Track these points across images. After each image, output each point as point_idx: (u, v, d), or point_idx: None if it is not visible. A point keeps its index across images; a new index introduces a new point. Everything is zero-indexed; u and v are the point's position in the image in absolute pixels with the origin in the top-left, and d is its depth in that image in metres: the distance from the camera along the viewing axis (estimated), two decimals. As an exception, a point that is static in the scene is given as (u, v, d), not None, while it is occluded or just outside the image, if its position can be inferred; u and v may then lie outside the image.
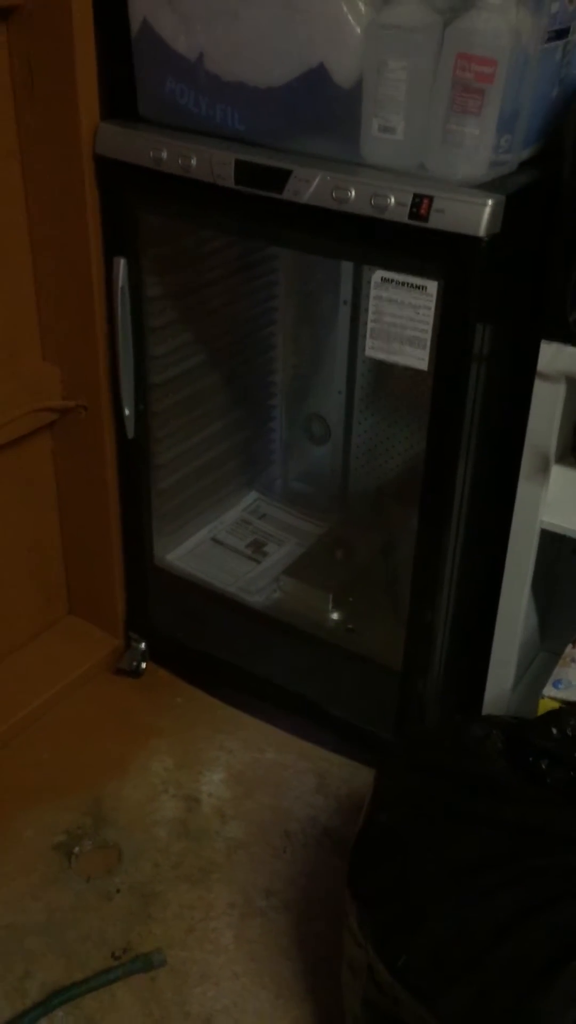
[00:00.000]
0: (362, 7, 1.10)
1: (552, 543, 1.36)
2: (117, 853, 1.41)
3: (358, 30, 1.10)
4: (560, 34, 1.12)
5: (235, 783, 1.52)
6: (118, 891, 1.36)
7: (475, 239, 1.08)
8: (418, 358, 1.18)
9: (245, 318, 1.71)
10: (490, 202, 1.07)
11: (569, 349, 1.16)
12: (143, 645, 1.70)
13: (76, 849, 1.41)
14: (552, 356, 1.18)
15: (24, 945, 1.28)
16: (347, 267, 1.66)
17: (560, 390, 1.20)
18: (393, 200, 1.11)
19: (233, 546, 1.74)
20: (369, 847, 0.99)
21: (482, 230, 1.07)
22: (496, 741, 0.99)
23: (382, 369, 1.70)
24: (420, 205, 1.09)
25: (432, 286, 1.14)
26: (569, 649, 1.38)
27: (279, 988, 1.24)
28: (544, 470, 1.26)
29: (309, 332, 1.78)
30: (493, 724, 1.01)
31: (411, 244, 1.12)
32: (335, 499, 1.86)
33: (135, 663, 1.70)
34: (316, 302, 1.75)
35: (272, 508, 1.84)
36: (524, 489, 1.28)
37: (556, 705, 1.21)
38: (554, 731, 0.94)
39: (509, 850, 0.89)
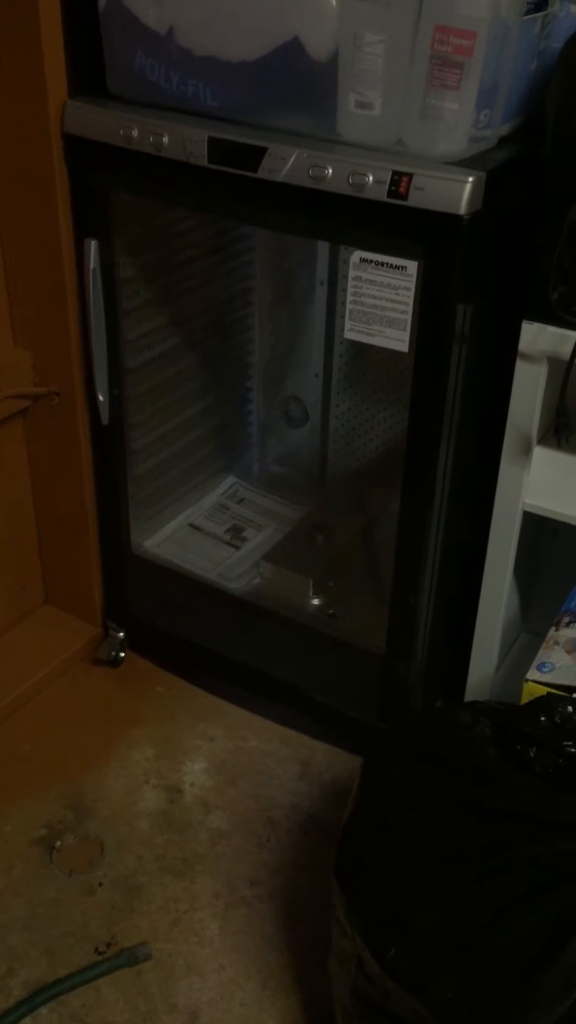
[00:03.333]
0: (337, -22, 1.07)
1: (534, 524, 1.35)
2: (99, 846, 1.39)
3: (333, 2, 1.07)
4: (539, 6, 1.09)
5: (217, 772, 1.51)
6: (101, 885, 1.34)
7: (456, 217, 1.06)
8: (399, 340, 1.16)
9: (221, 299, 1.68)
10: (471, 179, 1.05)
11: (551, 329, 1.14)
12: (121, 634, 1.68)
13: (57, 843, 1.39)
14: (534, 336, 1.16)
15: (6, 942, 1.26)
16: (323, 247, 1.64)
17: (542, 371, 1.19)
18: (372, 178, 1.08)
19: (211, 532, 1.72)
20: (356, 836, 0.98)
21: (463, 208, 1.05)
22: (484, 728, 0.98)
23: (359, 350, 1.68)
24: (399, 183, 1.07)
25: (412, 266, 1.12)
26: (552, 632, 1.37)
27: (265, 979, 1.23)
28: (526, 452, 1.24)
29: (286, 313, 1.75)
30: (481, 711, 1.00)
31: (390, 223, 1.10)
32: (314, 482, 1.84)
33: (114, 652, 1.68)
34: (292, 283, 1.73)
35: (250, 492, 1.81)
36: (506, 471, 1.26)
37: (542, 689, 1.20)
38: (542, 718, 0.93)
39: (498, 838, 0.87)
